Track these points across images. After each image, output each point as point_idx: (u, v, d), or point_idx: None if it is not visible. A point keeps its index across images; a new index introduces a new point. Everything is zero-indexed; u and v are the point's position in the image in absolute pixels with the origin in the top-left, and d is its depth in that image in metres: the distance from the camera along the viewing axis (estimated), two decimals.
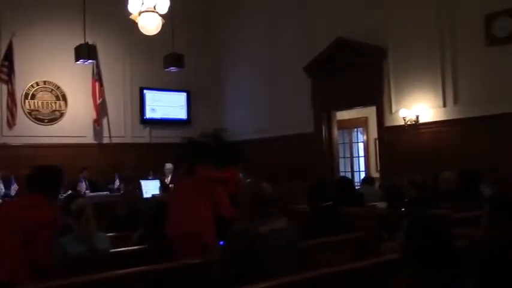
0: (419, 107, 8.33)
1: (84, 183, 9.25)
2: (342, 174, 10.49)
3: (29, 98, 10.41)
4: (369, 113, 10.55)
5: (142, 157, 10.83)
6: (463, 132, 7.81)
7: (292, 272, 2.89)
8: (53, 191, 3.34)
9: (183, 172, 4.20)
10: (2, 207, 3.43)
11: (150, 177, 9.36)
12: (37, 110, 10.50)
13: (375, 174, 10.06)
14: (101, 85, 10.86)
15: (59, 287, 2.89)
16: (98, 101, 10.83)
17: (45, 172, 3.35)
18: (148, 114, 11.74)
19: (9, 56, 9.72)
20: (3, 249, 2.99)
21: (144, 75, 11.58)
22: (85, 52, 9.25)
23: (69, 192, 8.29)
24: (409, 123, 8.39)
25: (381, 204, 5.75)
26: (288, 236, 2.95)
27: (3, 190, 8.68)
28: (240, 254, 2.78)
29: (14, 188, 8.58)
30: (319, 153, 9.93)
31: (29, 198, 3.25)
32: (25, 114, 10.33)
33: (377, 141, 9.94)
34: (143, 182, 8.45)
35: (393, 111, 8.74)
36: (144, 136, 11.73)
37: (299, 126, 10.18)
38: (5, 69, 9.70)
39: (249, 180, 3.13)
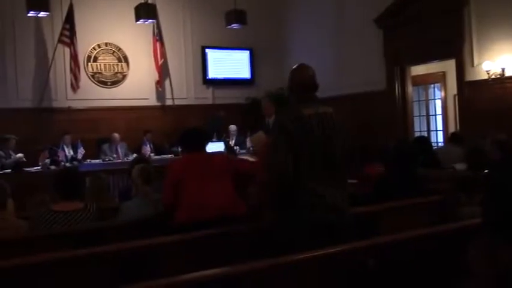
0: (506, 58, 7.97)
1: (148, 146, 9.57)
2: (417, 133, 10.30)
3: (91, 60, 10.80)
4: (448, 67, 10.18)
5: (206, 118, 11.04)
6: None
7: (340, 156, 3.05)
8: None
9: None
10: (192, 159, 4.00)
11: (214, 139, 9.56)
12: (100, 73, 10.90)
13: None
14: (162, 45, 11.07)
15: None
16: (160, 62, 11.07)
17: (203, 132, 4.26)
18: (211, 74, 11.91)
19: (70, 18, 10.03)
20: (219, 190, 3.70)
21: (206, 33, 11.68)
22: (145, 11, 9.45)
23: (134, 155, 8.66)
24: (493, 77, 8.08)
25: (461, 166, 5.63)
26: (333, 120, 3.06)
27: (71, 154, 9.15)
28: (288, 133, 2.91)
29: (81, 151, 8.99)
30: (392, 112, 9.77)
31: (205, 152, 4.09)
32: (88, 77, 10.74)
33: (456, 97, 9.66)
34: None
35: (475, 64, 8.41)
36: (207, 97, 11.94)
37: (370, 83, 9.98)
38: (66, 33, 10.02)
39: (294, 67, 3.22)
